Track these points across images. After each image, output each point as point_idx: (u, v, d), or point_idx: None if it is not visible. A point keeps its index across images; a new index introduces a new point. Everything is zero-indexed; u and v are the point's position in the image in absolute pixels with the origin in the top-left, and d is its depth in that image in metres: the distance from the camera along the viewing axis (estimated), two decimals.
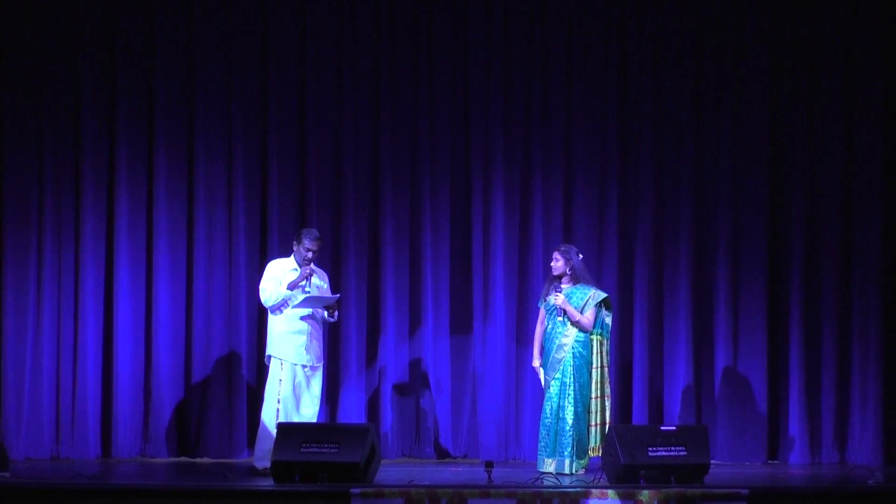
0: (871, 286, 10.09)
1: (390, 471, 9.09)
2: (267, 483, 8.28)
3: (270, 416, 9.02)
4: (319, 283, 9.26)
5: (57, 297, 10.14)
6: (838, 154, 10.20)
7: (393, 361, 10.27)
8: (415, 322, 10.31)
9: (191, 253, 10.27)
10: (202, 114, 10.30)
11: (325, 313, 9.24)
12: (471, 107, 10.33)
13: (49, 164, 10.18)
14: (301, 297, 9.08)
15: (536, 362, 9.27)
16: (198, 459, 10.08)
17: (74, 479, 8.34)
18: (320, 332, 9.28)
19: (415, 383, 10.30)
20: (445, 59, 10.33)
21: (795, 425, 10.07)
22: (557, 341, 9.08)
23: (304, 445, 8.20)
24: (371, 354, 10.30)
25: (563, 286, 9.15)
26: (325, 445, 8.19)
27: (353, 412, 10.19)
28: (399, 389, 10.28)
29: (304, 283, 9.09)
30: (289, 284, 9.08)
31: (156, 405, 10.14)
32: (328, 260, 10.21)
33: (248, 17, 10.32)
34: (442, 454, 10.22)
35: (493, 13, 10.29)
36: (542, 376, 9.21)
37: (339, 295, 9.39)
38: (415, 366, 10.32)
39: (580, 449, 8.98)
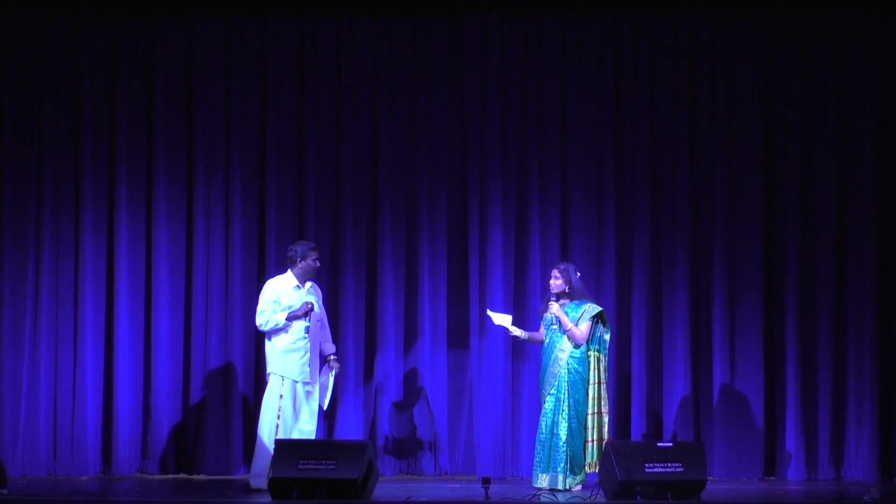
0: (866, 303, 10.13)
1: (387, 487, 9.13)
2: (264, 499, 8.33)
3: (269, 433, 9.05)
4: (316, 307, 9.27)
5: (55, 314, 10.20)
6: (832, 172, 10.25)
7: (390, 377, 10.31)
8: (412, 338, 10.35)
9: (189, 271, 10.32)
10: (201, 131, 10.36)
11: (334, 364, 9.36)
12: (467, 125, 10.39)
13: (48, 180, 10.28)
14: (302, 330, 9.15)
15: (518, 331, 9.32)
16: (195, 476, 10.10)
17: (73, 496, 8.38)
18: (318, 349, 9.34)
19: (412, 399, 10.33)
20: (442, 80, 10.40)
21: (792, 441, 10.10)
22: (553, 354, 9.17)
23: (301, 462, 8.24)
24: (368, 370, 10.34)
25: (560, 303, 9.23)
26: (323, 462, 8.23)
27: (350, 429, 10.23)
28: (396, 405, 10.33)
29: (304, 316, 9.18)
30: (290, 315, 9.13)
31: (154, 422, 10.18)
32: (326, 277, 10.27)
33: (248, 36, 10.41)
34: (439, 470, 10.24)
35: (488, 35, 10.36)
36: (510, 329, 9.30)
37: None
38: (412, 382, 10.35)
39: (574, 464, 9.05)
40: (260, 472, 9.02)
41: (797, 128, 10.28)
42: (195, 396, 10.26)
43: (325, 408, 9.39)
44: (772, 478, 10.11)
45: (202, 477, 10.08)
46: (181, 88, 10.37)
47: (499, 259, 10.30)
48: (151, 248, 10.31)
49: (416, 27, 10.41)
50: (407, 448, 10.30)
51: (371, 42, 10.40)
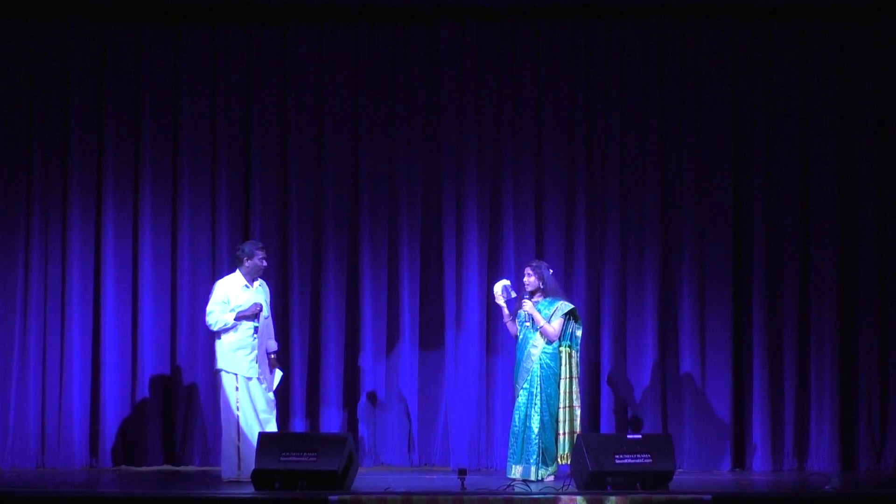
0: (827, 301, 10.34)
1: (367, 478, 9.26)
2: (247, 491, 8.45)
3: (233, 426, 9.19)
4: (265, 307, 9.41)
5: (43, 310, 10.33)
6: (797, 175, 10.45)
7: (370, 372, 10.46)
8: (391, 335, 10.51)
9: (175, 266, 10.47)
10: (187, 133, 10.51)
11: (277, 364, 9.51)
12: (444, 128, 10.53)
13: (38, 180, 10.40)
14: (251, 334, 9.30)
15: (503, 302, 9.46)
16: (182, 468, 10.25)
17: (61, 488, 8.49)
18: (265, 346, 9.45)
19: (391, 394, 10.48)
20: (420, 85, 10.55)
21: (758, 434, 10.29)
22: (526, 350, 9.32)
23: (283, 454, 8.39)
24: (350, 366, 10.48)
25: (534, 300, 9.42)
26: (305, 454, 8.39)
27: (332, 422, 10.39)
28: (376, 400, 10.47)
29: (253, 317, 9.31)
30: (238, 315, 9.24)
31: (141, 415, 10.32)
32: (308, 278, 10.46)
33: (232, 43, 10.55)
34: (417, 462, 10.41)
35: (464, 42, 10.51)
36: (499, 297, 9.43)
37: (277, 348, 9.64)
38: (391, 377, 10.50)
39: (546, 456, 9.20)
40: (229, 464, 9.17)
41: (764, 131, 10.46)
42: (183, 390, 10.39)
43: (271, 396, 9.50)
44: (739, 469, 10.29)
45: (190, 468, 10.22)
46: (168, 92, 10.50)
47: (474, 258, 10.45)
48: (138, 244, 10.44)
49: (395, 34, 10.54)
50: (386, 441, 10.44)
51: (352, 49, 10.54)
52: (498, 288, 9.48)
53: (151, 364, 10.40)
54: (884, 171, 10.47)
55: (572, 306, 9.41)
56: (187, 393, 10.42)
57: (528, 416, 9.24)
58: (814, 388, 10.34)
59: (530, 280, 9.41)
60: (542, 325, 9.28)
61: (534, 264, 9.49)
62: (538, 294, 9.42)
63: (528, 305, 9.35)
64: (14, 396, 10.26)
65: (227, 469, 9.22)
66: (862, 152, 10.48)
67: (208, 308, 9.32)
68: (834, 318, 10.35)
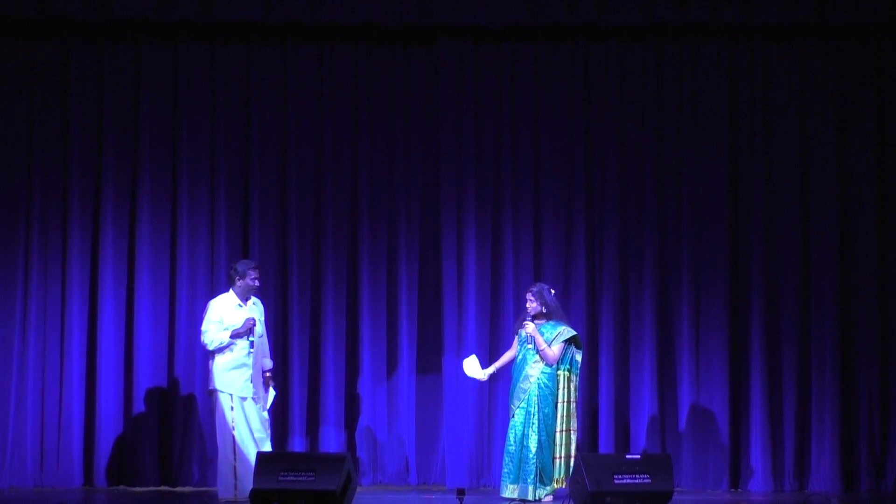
0: (826, 321, 10.34)
1: (366, 498, 9.25)
2: None
3: (228, 445, 9.19)
4: (259, 324, 9.42)
5: (42, 330, 10.32)
6: (796, 195, 10.46)
7: (369, 391, 10.45)
8: (391, 355, 10.50)
9: (173, 287, 10.45)
10: (186, 151, 10.51)
11: (272, 383, 9.49)
12: (442, 148, 10.52)
13: (37, 199, 10.39)
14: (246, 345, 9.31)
15: (486, 372, 9.56)
16: (179, 488, 10.22)
17: None
18: (260, 365, 9.45)
19: (390, 413, 10.46)
20: (419, 105, 10.58)
21: (758, 454, 10.28)
22: (524, 371, 9.31)
23: (282, 473, 8.39)
24: (349, 384, 10.47)
25: (537, 322, 9.38)
26: (303, 473, 8.37)
27: (331, 442, 10.38)
28: (375, 420, 10.45)
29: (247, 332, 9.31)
30: (233, 333, 9.25)
31: (138, 435, 10.29)
32: (307, 296, 10.47)
33: (232, 62, 10.57)
34: (415, 482, 10.39)
35: (463, 62, 10.54)
36: (475, 372, 9.51)
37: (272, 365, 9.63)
38: (391, 397, 10.48)
39: (544, 476, 9.17)
40: (225, 485, 9.17)
41: (762, 151, 10.49)
42: (180, 411, 10.36)
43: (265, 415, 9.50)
44: (738, 489, 10.28)
45: (187, 489, 10.19)
46: (167, 109, 10.51)
47: (473, 281, 10.45)
48: (135, 259, 10.42)
49: (394, 54, 10.58)
50: (385, 460, 10.42)
51: (351, 68, 10.58)
52: (469, 369, 9.58)
53: (149, 385, 10.37)
54: (884, 188, 10.49)
55: (575, 333, 9.39)
56: (185, 412, 10.38)
57: (525, 436, 9.22)
58: (814, 407, 10.33)
59: (532, 305, 9.39)
60: (543, 349, 9.26)
61: (534, 289, 9.46)
62: (541, 318, 9.40)
63: (530, 327, 9.34)
64: (12, 415, 10.23)
65: (223, 490, 9.21)
66: (861, 171, 10.50)
67: (203, 327, 9.35)
68: (834, 337, 10.34)
